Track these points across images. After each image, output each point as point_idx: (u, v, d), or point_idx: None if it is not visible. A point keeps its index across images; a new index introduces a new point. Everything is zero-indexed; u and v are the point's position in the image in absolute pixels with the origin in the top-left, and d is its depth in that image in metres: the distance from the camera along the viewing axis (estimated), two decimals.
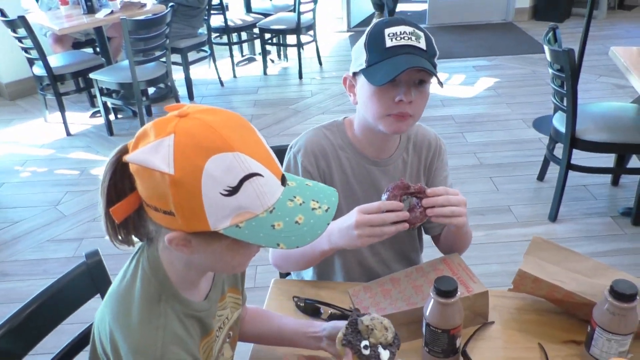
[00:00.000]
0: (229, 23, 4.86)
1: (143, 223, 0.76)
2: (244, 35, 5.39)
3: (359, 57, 1.11)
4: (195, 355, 0.78)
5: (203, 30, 4.69)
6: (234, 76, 5.04)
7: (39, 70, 3.90)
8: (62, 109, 3.98)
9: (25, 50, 3.87)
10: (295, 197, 0.72)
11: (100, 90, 3.87)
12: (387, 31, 1.06)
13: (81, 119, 4.26)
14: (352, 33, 6.17)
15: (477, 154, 3.42)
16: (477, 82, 4.57)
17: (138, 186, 0.70)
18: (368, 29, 1.11)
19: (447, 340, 0.96)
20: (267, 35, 5.07)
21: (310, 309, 1.15)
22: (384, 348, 0.84)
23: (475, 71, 4.82)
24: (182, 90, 4.63)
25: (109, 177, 0.72)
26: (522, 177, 3.14)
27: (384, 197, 1.05)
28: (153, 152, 0.65)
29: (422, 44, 1.06)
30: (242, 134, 0.69)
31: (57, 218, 3.01)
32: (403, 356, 1.03)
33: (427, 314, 0.96)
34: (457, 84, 4.55)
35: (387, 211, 1.02)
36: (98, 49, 4.40)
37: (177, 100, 4.08)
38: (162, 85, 4.24)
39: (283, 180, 0.73)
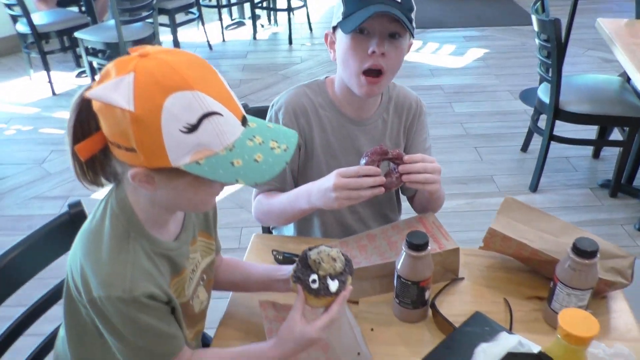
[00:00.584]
0: None
1: (109, 163, 0.78)
2: None
3: (337, 10, 1.12)
4: (165, 290, 0.82)
5: None
6: (223, 40, 4.98)
7: (22, 27, 3.83)
8: (47, 68, 3.92)
9: (8, 6, 3.78)
10: (255, 137, 0.74)
11: (86, 49, 3.81)
12: None
13: (67, 79, 4.21)
14: None
15: (464, 124, 3.45)
16: (466, 52, 4.56)
17: (102, 124, 0.72)
18: None
19: (416, 292, 1.00)
20: None
21: (288, 262, 1.18)
22: (333, 279, 0.88)
23: (465, 41, 4.81)
24: None
25: (74, 117, 0.74)
26: (507, 147, 3.19)
27: (363, 161, 1.08)
28: (113, 89, 0.67)
29: None
30: (202, 74, 0.71)
31: (42, 176, 3.00)
32: (376, 307, 1.08)
33: (399, 266, 1.00)
34: (446, 54, 4.54)
35: (365, 175, 1.05)
36: (83, 8, 4.32)
37: None
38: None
39: (244, 122, 0.75)
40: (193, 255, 0.94)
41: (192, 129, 0.68)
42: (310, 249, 0.91)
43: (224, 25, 5.06)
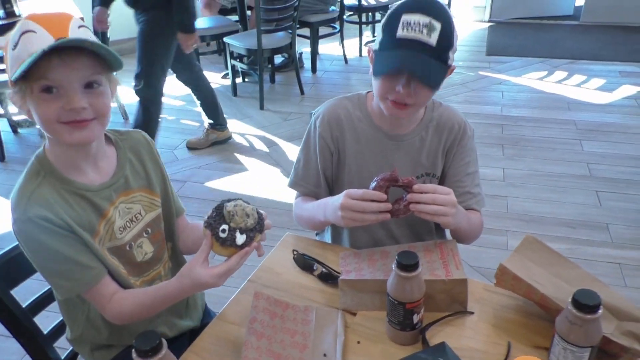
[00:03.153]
0: (363, 2, 4.94)
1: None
2: (377, 16, 5.43)
3: (378, 36, 1.14)
4: (64, 219, 0.96)
5: (335, 7, 4.82)
6: (360, 55, 5.13)
7: None
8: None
9: None
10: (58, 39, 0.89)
11: (232, 54, 4.21)
12: (403, 18, 1.06)
13: (214, 79, 4.67)
14: (492, 24, 5.88)
15: (590, 164, 3.14)
16: (617, 88, 4.13)
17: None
18: (390, 9, 1.12)
19: (403, 313, 0.98)
20: None
21: (305, 264, 1.23)
22: (242, 232, 0.92)
23: (619, 77, 4.35)
24: (308, 63, 4.85)
25: None
26: (636, 197, 2.83)
27: (372, 185, 1.10)
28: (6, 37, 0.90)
29: (433, 39, 1.05)
30: (49, 16, 0.91)
31: (170, 160, 3.40)
32: (371, 322, 1.08)
33: (389, 284, 0.99)
34: (592, 88, 4.15)
35: (372, 200, 1.07)
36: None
37: (297, 71, 4.29)
38: (286, 55, 4.48)
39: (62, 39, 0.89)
40: (129, 205, 1.07)
41: (16, 45, 0.89)
42: (229, 201, 0.95)
43: (363, 42, 5.22)
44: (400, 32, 1.06)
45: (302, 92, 4.32)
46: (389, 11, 1.12)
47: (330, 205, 1.14)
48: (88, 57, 0.91)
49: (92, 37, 0.94)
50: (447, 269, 1.08)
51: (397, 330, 1.01)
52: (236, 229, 0.93)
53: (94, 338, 1.14)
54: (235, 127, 3.81)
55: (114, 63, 0.94)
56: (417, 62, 1.06)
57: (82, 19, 0.98)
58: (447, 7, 1.11)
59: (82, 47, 0.89)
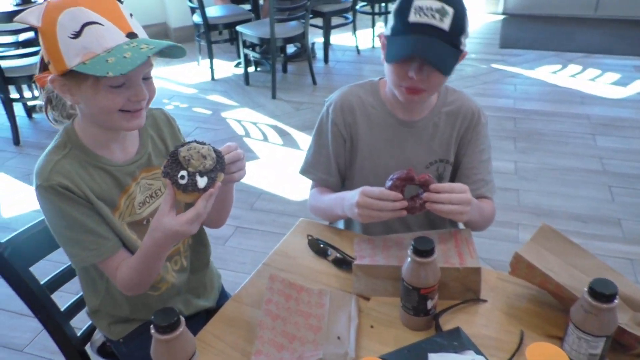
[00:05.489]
0: None
1: (62, 101, 1.03)
2: (389, 7, 5.40)
3: (390, 21, 1.15)
4: (86, 193, 0.99)
5: None
6: (373, 46, 5.12)
7: (197, 18, 4.36)
8: (211, 56, 4.41)
9: None
10: (133, 43, 0.89)
11: (244, 42, 4.21)
12: (415, 3, 1.07)
13: (227, 67, 4.69)
14: (506, 16, 5.83)
15: (603, 159, 3.12)
16: (632, 83, 4.08)
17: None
18: None
19: (417, 298, 0.99)
20: None
21: (319, 248, 1.24)
22: (202, 175, 0.89)
23: (634, 71, 4.30)
24: (320, 53, 4.84)
25: (40, 58, 0.97)
26: None
27: (388, 184, 1.11)
28: (31, 13, 0.90)
29: (446, 24, 1.06)
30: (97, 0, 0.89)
31: None
32: (384, 307, 1.08)
33: (404, 269, 1.00)
34: (606, 83, 4.12)
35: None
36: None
37: (310, 61, 4.28)
38: (299, 44, 4.47)
39: (132, 35, 0.90)
40: (150, 181, 1.10)
41: (77, 35, 0.87)
42: (182, 145, 0.92)
43: (376, 32, 5.19)
44: (413, 17, 1.07)
45: (314, 82, 4.32)
46: None
47: (347, 201, 1.16)
48: None
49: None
50: (462, 258, 1.08)
51: (410, 315, 1.02)
52: (195, 172, 0.90)
53: (113, 311, 1.17)
54: (247, 115, 3.82)
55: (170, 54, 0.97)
56: (430, 47, 1.06)
57: None
58: None
59: None
